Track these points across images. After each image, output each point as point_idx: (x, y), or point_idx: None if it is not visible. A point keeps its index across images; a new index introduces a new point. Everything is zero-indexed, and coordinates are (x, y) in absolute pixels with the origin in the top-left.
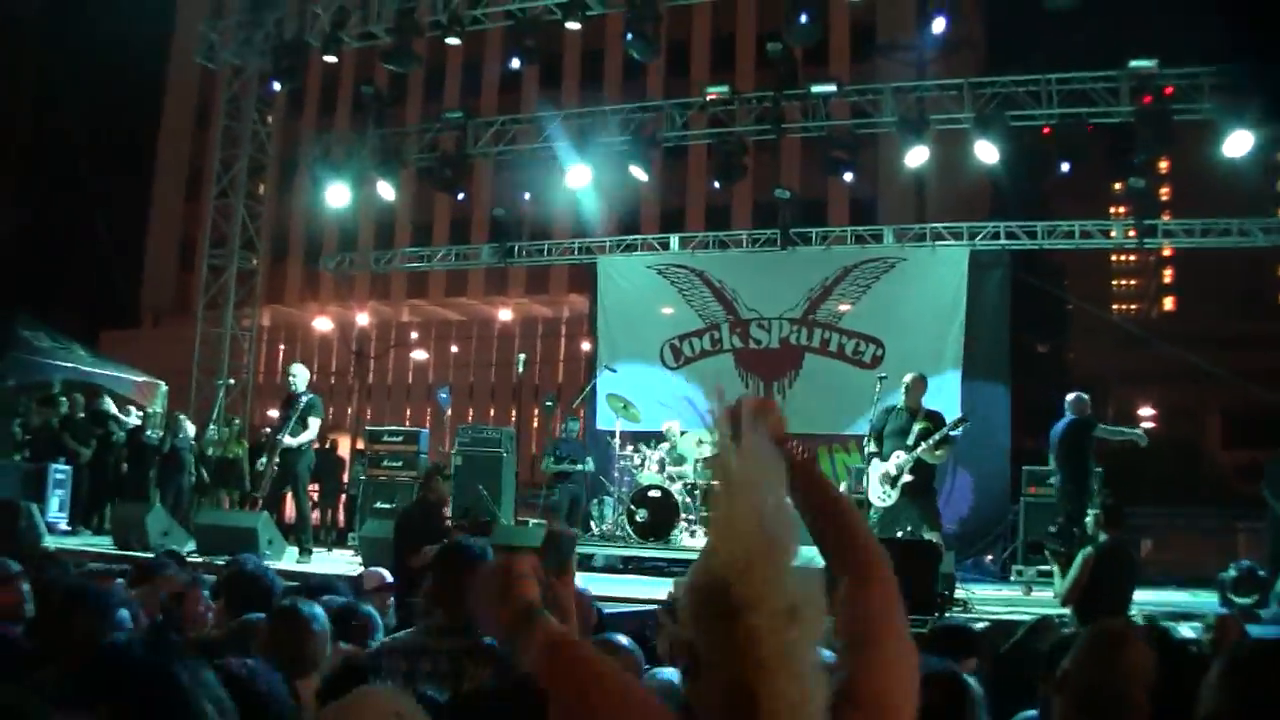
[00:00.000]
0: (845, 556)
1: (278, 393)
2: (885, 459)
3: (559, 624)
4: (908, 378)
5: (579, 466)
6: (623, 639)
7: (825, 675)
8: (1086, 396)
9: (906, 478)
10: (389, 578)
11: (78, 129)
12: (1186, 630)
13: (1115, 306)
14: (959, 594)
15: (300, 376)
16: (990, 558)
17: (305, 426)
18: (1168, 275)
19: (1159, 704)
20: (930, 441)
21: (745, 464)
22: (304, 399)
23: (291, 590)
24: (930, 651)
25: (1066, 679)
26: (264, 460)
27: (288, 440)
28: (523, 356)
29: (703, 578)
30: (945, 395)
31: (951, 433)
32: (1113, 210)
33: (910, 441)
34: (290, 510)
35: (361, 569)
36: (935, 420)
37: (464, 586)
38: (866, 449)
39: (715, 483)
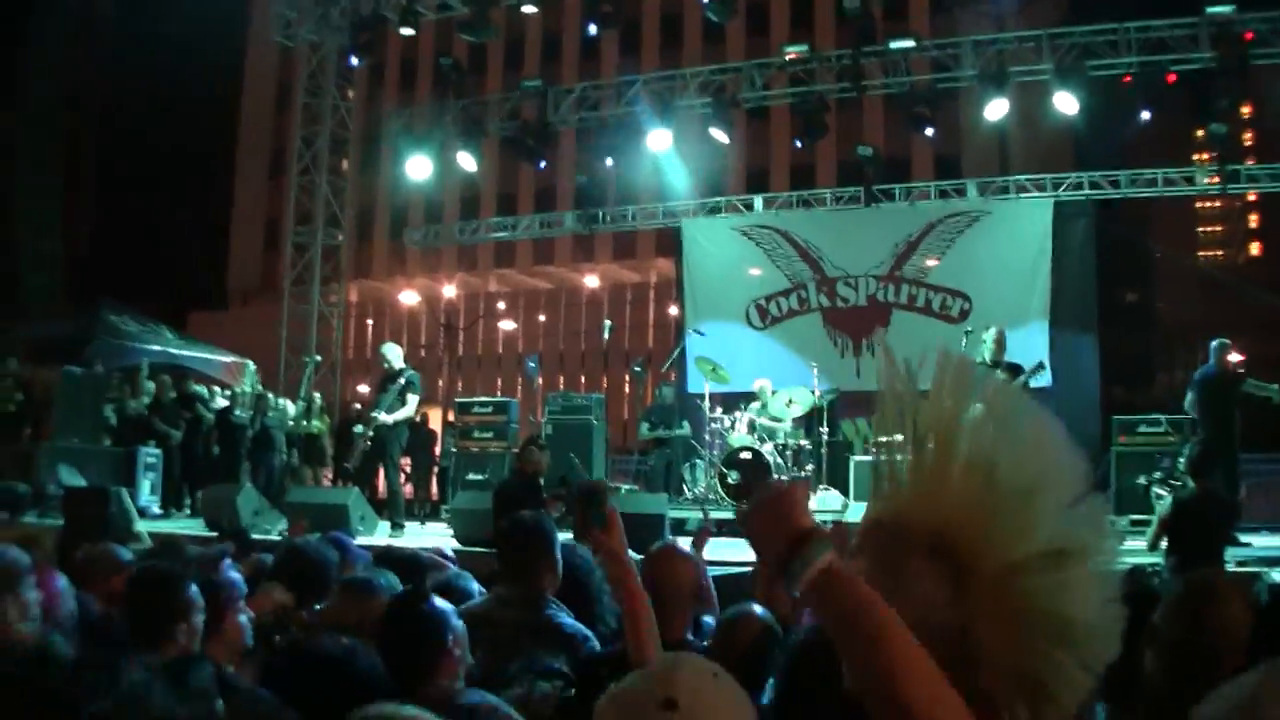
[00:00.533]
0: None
1: (366, 369)
2: None
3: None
4: (989, 332)
5: (675, 432)
6: None
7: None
8: (1228, 343)
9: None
10: (448, 551)
11: (159, 114)
12: (1278, 575)
13: (1201, 254)
14: None
15: (394, 355)
16: None
17: (404, 403)
18: (1253, 220)
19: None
20: None
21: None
22: (404, 375)
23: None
24: None
25: (1155, 634)
26: (358, 432)
27: (383, 417)
28: (608, 323)
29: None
30: (1033, 346)
31: (1029, 380)
32: (1195, 157)
33: None
34: (383, 486)
35: (454, 541)
36: (1015, 372)
37: (533, 560)
38: None
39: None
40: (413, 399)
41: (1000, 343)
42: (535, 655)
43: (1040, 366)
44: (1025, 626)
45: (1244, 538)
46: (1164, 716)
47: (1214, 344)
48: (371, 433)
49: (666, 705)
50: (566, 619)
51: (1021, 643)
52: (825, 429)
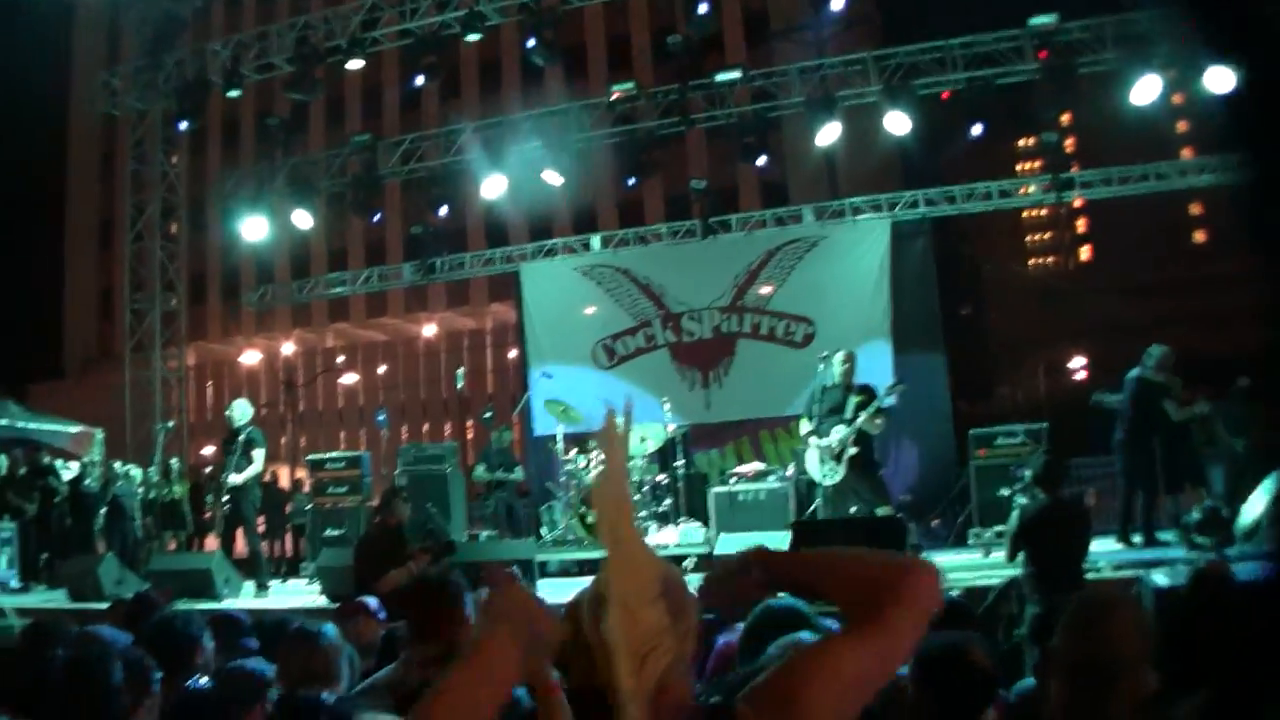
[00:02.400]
0: (848, 605)
1: (211, 431)
2: (824, 435)
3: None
4: (838, 355)
5: (511, 475)
6: None
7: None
8: (1159, 350)
9: (851, 450)
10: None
11: None
12: (1159, 578)
13: (1031, 262)
14: None
15: (240, 411)
16: (937, 522)
17: (250, 461)
18: (1081, 225)
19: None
20: (868, 411)
21: (612, 476)
22: (244, 433)
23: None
24: (931, 627)
25: (1054, 656)
26: (210, 500)
27: (233, 479)
28: (461, 371)
29: (594, 587)
30: (878, 366)
31: (887, 400)
32: (1020, 168)
33: (849, 415)
34: (241, 547)
35: (323, 599)
36: (868, 393)
37: (446, 617)
38: (803, 429)
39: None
40: (258, 454)
41: (850, 366)
42: None
43: (898, 384)
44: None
45: (1099, 543)
46: None
47: (1159, 350)
48: (226, 496)
49: None
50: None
51: None
52: (681, 462)
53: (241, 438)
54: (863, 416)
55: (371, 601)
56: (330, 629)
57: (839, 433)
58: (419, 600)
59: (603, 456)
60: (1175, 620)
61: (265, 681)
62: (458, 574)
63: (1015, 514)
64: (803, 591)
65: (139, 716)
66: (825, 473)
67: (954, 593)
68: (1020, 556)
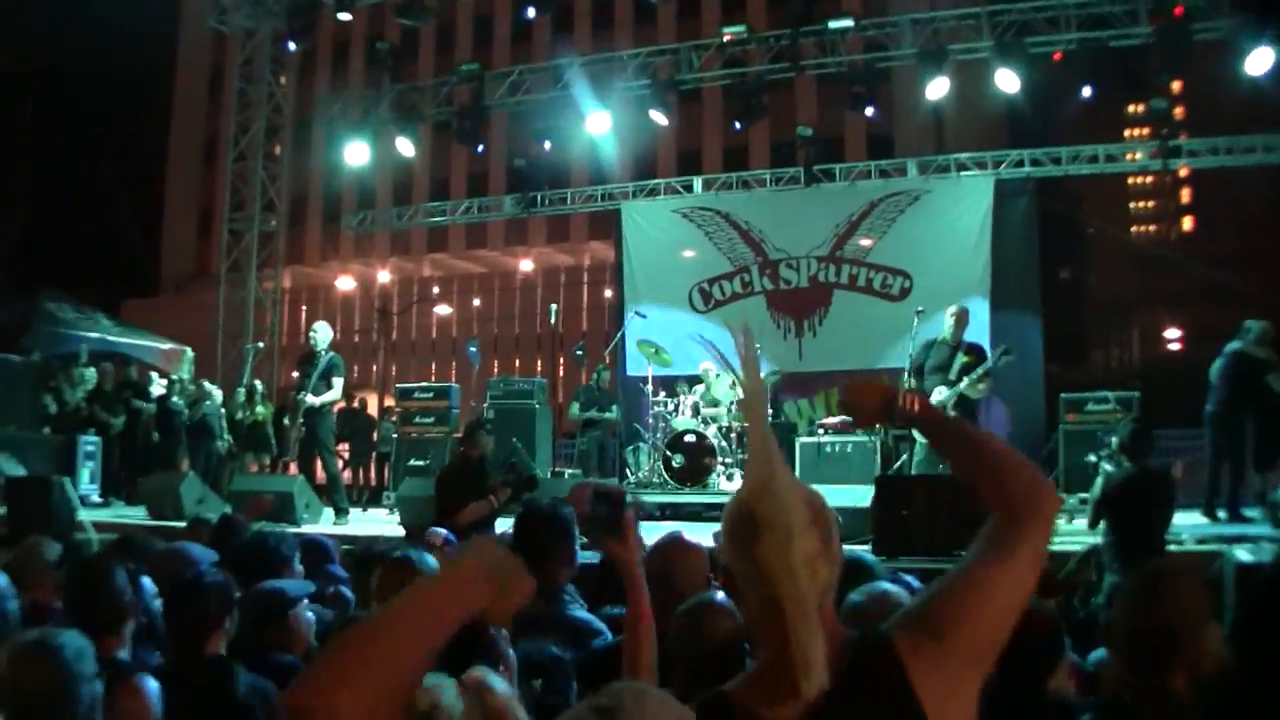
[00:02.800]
0: (984, 494)
1: (305, 356)
2: (927, 394)
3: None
4: (951, 311)
5: (606, 414)
6: None
7: (827, 588)
8: (1258, 325)
9: (950, 412)
10: (450, 537)
11: (91, 102)
12: (1242, 554)
13: (1134, 228)
14: None
15: (323, 334)
16: None
17: (329, 386)
18: (1185, 196)
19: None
20: (973, 375)
21: (754, 400)
22: (324, 357)
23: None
24: None
25: (1112, 628)
26: (287, 422)
27: (310, 399)
28: (554, 307)
29: (733, 508)
30: (976, 325)
31: (995, 365)
32: (1127, 133)
33: (953, 376)
34: (320, 472)
35: (401, 528)
36: (976, 354)
37: (549, 551)
38: (906, 385)
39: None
40: (338, 381)
41: (961, 321)
42: (543, 643)
43: (1006, 352)
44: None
45: (1183, 516)
46: (1125, 707)
47: (1258, 325)
48: (302, 419)
49: None
50: (580, 612)
51: None
52: (769, 411)
53: (322, 362)
54: (966, 381)
55: (444, 533)
56: (430, 559)
57: (940, 394)
58: (524, 531)
59: (742, 382)
60: (1255, 598)
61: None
62: (569, 511)
63: (1099, 481)
64: (940, 445)
65: (216, 639)
66: None
67: None
68: (1101, 525)
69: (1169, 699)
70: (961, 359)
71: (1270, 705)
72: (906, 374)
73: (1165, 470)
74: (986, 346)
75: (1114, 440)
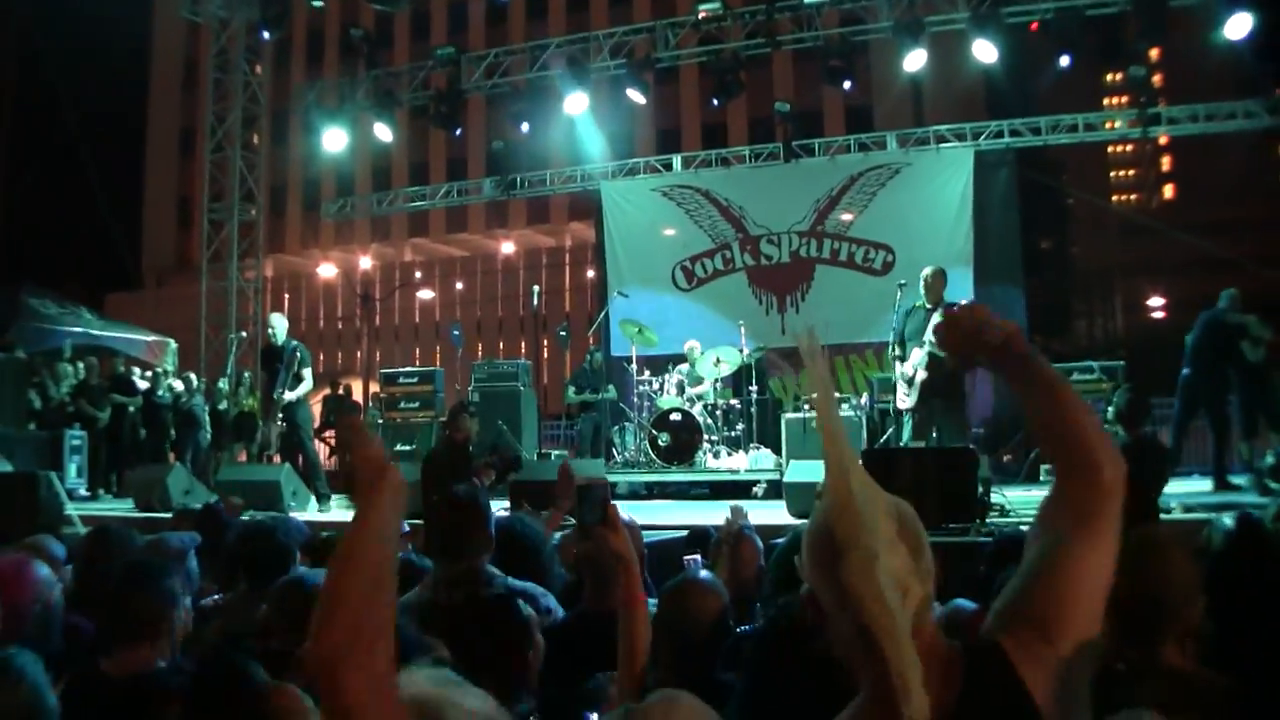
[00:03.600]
0: (1061, 455)
1: (270, 351)
2: (906, 359)
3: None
4: (926, 272)
5: (601, 395)
6: None
7: (923, 606)
8: (1231, 291)
9: (921, 375)
10: None
11: (65, 96)
12: (1230, 521)
13: (1115, 197)
14: (995, 498)
15: (280, 326)
16: (1009, 458)
17: (300, 379)
18: (1166, 163)
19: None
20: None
21: (828, 410)
22: (289, 350)
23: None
24: (1006, 563)
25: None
26: (259, 425)
27: (288, 395)
28: (537, 289)
29: (813, 527)
30: (959, 295)
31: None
32: (1107, 102)
33: (928, 337)
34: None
35: None
36: None
37: (469, 535)
38: (891, 355)
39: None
40: (307, 372)
41: (935, 283)
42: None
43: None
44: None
45: (1174, 484)
46: (1114, 675)
47: (1231, 291)
48: (280, 415)
49: None
50: (514, 581)
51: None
52: (754, 388)
53: (288, 355)
54: (933, 340)
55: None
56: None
57: (915, 357)
58: (443, 517)
59: (812, 383)
60: (1218, 564)
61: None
62: (484, 494)
63: None
64: (1018, 392)
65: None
66: (904, 397)
67: (1025, 528)
68: None
69: (1161, 668)
70: (939, 319)
71: (1240, 669)
72: (891, 345)
73: (1159, 439)
74: None
75: (1110, 409)
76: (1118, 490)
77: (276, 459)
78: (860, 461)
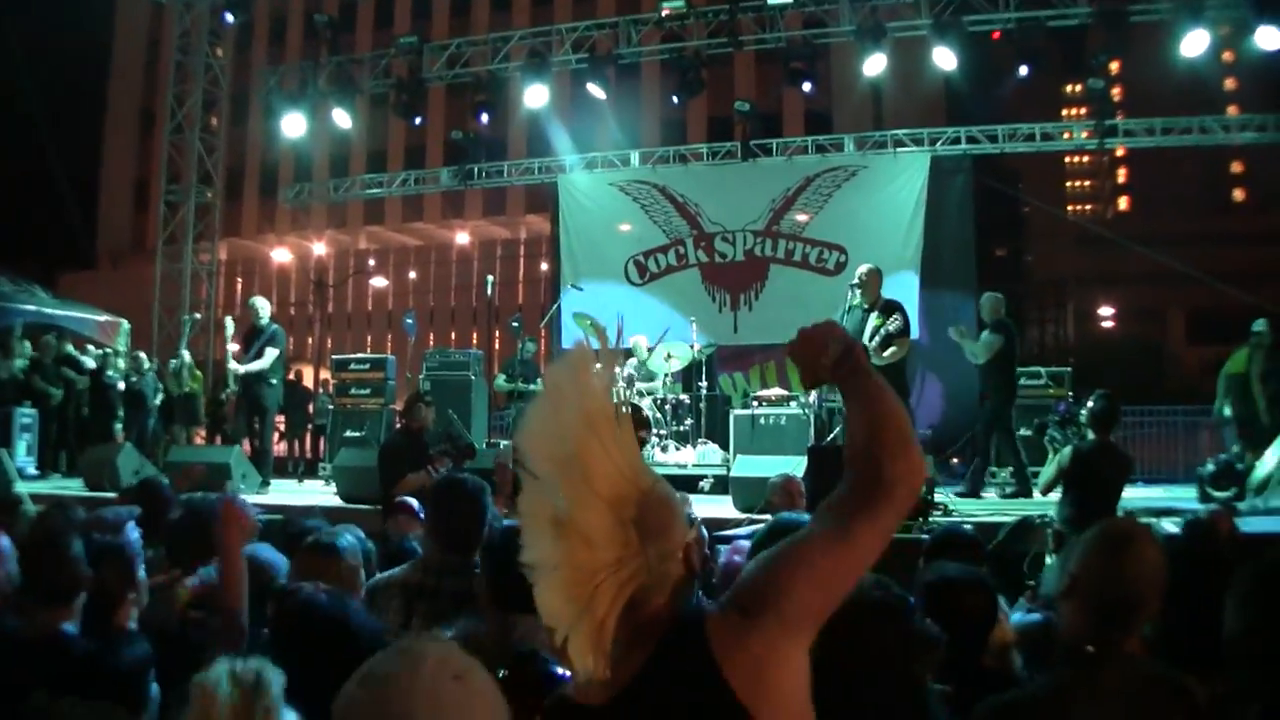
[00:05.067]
0: (858, 452)
1: (239, 326)
2: None
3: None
4: (862, 270)
5: (531, 387)
6: None
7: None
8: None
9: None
10: (419, 508)
11: (25, 73)
12: (1169, 525)
13: (1070, 208)
14: (937, 498)
15: (263, 309)
16: (957, 460)
17: (260, 356)
18: (1122, 175)
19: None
20: (874, 343)
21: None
22: (267, 330)
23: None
24: (939, 556)
25: (1076, 584)
26: (227, 391)
27: (235, 367)
28: (491, 279)
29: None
30: (904, 300)
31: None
32: (1065, 113)
33: (865, 341)
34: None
35: (338, 498)
36: (891, 311)
37: (469, 527)
38: None
39: None
40: (270, 351)
41: (874, 282)
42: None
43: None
44: None
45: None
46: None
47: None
48: (235, 387)
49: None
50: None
51: None
52: (704, 383)
53: (264, 334)
54: (872, 345)
55: (414, 504)
56: (347, 540)
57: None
58: (443, 506)
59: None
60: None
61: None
62: (483, 484)
63: (1067, 450)
64: (848, 405)
65: (124, 604)
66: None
67: (967, 527)
68: (1057, 496)
69: (1124, 653)
70: (875, 319)
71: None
72: None
73: (1122, 447)
74: (915, 322)
75: (1083, 413)
76: (885, 500)
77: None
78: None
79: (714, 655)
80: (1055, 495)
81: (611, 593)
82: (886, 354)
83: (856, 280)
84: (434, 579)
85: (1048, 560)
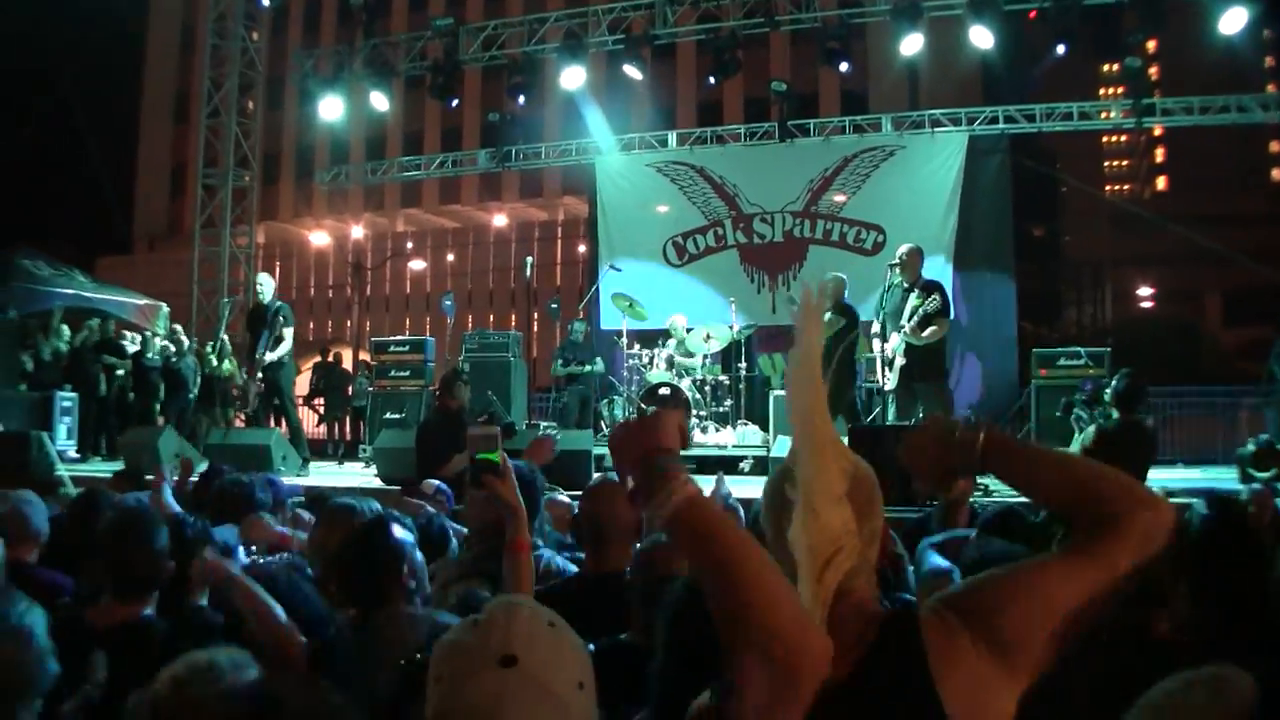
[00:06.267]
0: (1090, 508)
1: (256, 311)
2: (887, 340)
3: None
4: (902, 250)
5: (588, 368)
6: None
7: (860, 566)
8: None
9: (900, 360)
10: (442, 486)
11: (62, 59)
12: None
13: (1107, 188)
14: (979, 479)
15: (268, 286)
16: None
17: (281, 338)
18: (1159, 155)
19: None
20: (912, 322)
21: (811, 360)
22: (274, 310)
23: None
24: (991, 534)
25: None
26: (242, 383)
27: (268, 356)
28: (530, 260)
29: (774, 473)
30: (935, 277)
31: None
32: (1102, 92)
33: (903, 321)
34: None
35: (378, 480)
36: (930, 291)
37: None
38: (873, 335)
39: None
40: (288, 332)
41: (914, 261)
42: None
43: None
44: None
45: (1152, 471)
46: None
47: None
48: (260, 375)
49: (505, 662)
50: (546, 552)
51: None
52: (743, 364)
53: (270, 314)
54: (909, 324)
55: (435, 483)
56: (375, 505)
57: (894, 341)
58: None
59: (799, 338)
60: (1198, 545)
61: None
62: (539, 471)
63: (1091, 429)
64: (1014, 483)
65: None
66: (885, 379)
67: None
68: None
69: (1155, 637)
70: (915, 300)
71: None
72: (876, 321)
73: (1148, 425)
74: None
75: (1106, 391)
76: (1125, 526)
77: (239, 421)
78: (828, 416)
79: (929, 662)
80: None
81: (839, 569)
82: (925, 334)
83: (897, 260)
84: (488, 565)
85: None
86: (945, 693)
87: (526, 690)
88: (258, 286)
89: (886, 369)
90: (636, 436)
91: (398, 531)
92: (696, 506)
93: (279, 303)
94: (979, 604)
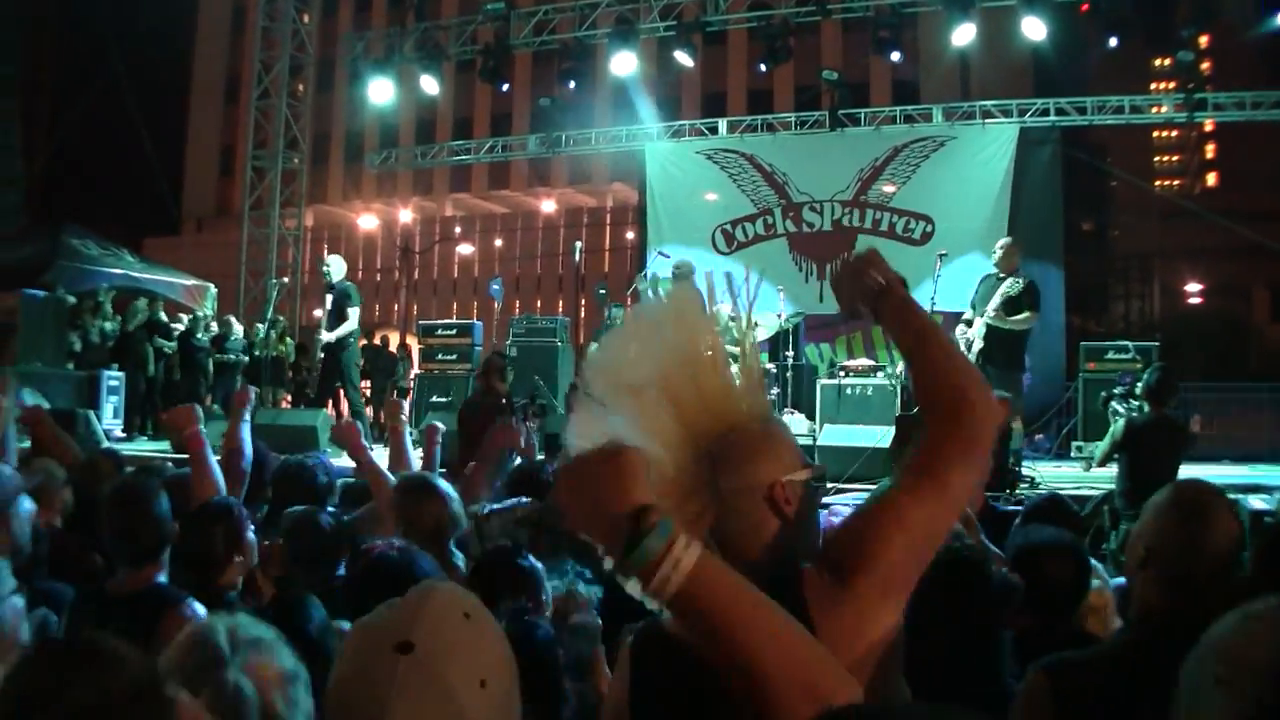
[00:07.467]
0: (930, 397)
1: (323, 292)
2: (971, 326)
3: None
4: (1001, 242)
5: None
6: None
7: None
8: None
9: (978, 344)
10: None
11: (112, 39)
12: (1257, 502)
13: (1158, 183)
14: (1025, 471)
15: (336, 266)
16: (1041, 436)
17: (343, 318)
18: (1210, 150)
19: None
20: (996, 304)
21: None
22: (340, 290)
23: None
24: (1038, 521)
25: (1152, 555)
26: (313, 359)
27: (325, 336)
28: (579, 245)
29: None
30: (984, 270)
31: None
32: (1154, 86)
33: (988, 306)
34: (344, 407)
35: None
36: (1021, 279)
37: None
38: (963, 319)
39: None
40: (352, 312)
41: (1011, 253)
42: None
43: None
44: None
45: (1201, 469)
46: (1158, 635)
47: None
48: (321, 354)
49: (401, 648)
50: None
51: None
52: (790, 353)
53: (336, 294)
54: (994, 305)
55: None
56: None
57: (978, 325)
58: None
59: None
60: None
61: None
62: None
63: (1120, 422)
64: (898, 340)
65: (231, 567)
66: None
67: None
68: (1116, 470)
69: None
70: (1007, 290)
71: None
72: (970, 305)
73: (1185, 421)
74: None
75: (1140, 385)
76: (985, 432)
77: (285, 402)
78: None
79: (811, 618)
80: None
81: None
82: (1013, 319)
83: (999, 249)
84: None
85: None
86: (823, 636)
87: (415, 678)
88: (324, 268)
89: (968, 352)
90: (592, 494)
91: None
92: (704, 583)
93: (345, 283)
94: (851, 552)
